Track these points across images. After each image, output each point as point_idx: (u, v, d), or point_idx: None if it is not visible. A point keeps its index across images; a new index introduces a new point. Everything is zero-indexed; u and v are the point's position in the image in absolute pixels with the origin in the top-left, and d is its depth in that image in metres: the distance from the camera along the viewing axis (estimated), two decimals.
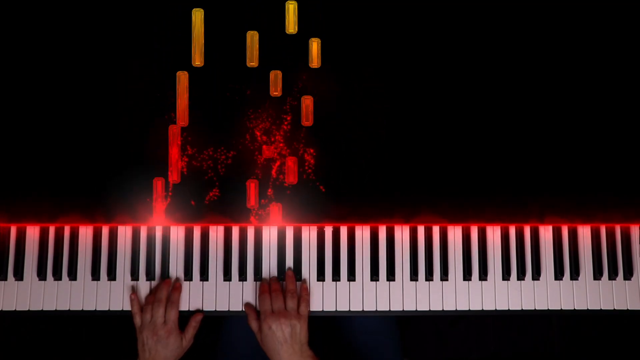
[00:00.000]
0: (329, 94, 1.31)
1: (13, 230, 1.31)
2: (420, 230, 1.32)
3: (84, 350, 1.93)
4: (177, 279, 1.31)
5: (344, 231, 1.32)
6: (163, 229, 1.31)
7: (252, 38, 1.30)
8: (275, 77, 1.31)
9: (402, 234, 1.32)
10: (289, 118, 1.31)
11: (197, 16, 1.31)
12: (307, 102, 1.29)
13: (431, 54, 1.32)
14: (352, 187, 1.30)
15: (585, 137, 1.32)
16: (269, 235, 1.31)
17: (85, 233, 1.31)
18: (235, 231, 1.31)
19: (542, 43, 1.33)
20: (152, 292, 1.29)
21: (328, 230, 1.32)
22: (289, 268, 1.31)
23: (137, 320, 1.27)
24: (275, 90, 1.31)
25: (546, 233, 1.33)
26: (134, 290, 1.30)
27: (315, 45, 1.31)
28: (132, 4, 1.32)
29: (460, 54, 1.32)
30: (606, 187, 1.31)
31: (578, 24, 1.33)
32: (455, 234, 1.32)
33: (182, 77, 1.30)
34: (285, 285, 1.28)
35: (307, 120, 1.31)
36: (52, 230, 1.31)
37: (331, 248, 1.32)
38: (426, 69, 1.32)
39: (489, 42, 1.33)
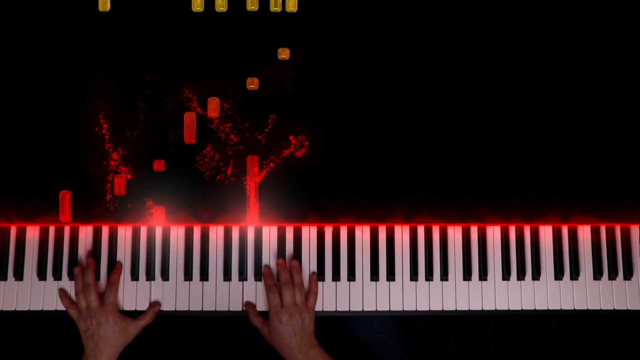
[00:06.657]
0: (328, 92, 1.32)
1: (13, 230, 1.31)
2: (420, 230, 1.32)
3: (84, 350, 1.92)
4: (118, 261, 1.29)
5: (344, 231, 1.32)
6: (163, 229, 1.31)
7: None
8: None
9: (402, 234, 1.31)
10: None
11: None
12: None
13: (432, 52, 1.32)
14: (351, 187, 1.30)
15: (585, 138, 1.32)
16: (269, 235, 1.31)
17: (86, 233, 1.31)
18: (236, 231, 1.31)
19: (542, 42, 1.33)
20: (77, 279, 1.26)
21: (328, 230, 1.32)
22: (291, 258, 1.30)
23: (73, 312, 1.25)
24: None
25: (546, 233, 1.32)
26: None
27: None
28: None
29: (461, 52, 1.32)
30: (606, 187, 1.31)
31: (582, 23, 1.33)
32: (455, 234, 1.32)
33: None
34: (292, 278, 1.27)
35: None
36: (52, 230, 1.31)
37: (331, 248, 1.32)
38: (426, 67, 1.32)
39: (491, 40, 1.33)
